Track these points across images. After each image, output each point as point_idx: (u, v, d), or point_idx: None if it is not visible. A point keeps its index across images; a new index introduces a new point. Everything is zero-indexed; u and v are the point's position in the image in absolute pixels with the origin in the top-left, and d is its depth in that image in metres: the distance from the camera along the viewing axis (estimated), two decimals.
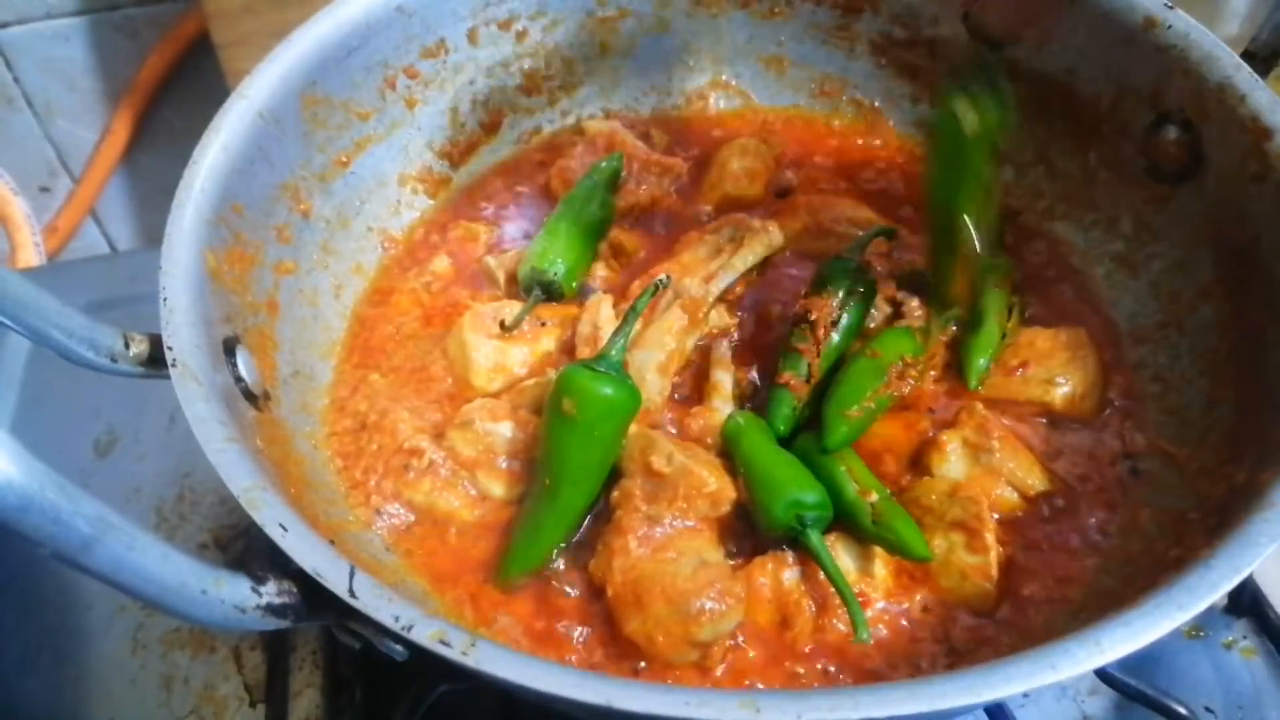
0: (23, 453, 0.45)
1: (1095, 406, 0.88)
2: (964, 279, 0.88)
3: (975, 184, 0.84)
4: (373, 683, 0.93)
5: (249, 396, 0.75)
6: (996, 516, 0.80)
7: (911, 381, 0.86)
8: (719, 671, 0.73)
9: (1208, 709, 0.91)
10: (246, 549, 1.02)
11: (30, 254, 1.72)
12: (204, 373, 0.69)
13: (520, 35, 1.06)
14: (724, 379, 0.88)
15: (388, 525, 0.81)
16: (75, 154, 1.76)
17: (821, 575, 0.74)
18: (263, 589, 0.59)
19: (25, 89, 1.66)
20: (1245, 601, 0.97)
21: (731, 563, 0.77)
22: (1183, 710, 0.85)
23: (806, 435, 0.83)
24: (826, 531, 0.77)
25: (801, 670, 0.73)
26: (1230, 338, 0.83)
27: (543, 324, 0.93)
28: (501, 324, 0.91)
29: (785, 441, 0.83)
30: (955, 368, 0.89)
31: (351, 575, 0.58)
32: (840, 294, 0.88)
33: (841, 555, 0.77)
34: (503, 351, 0.90)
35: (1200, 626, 0.97)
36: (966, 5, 0.84)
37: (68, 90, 1.67)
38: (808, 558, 0.76)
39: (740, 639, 0.74)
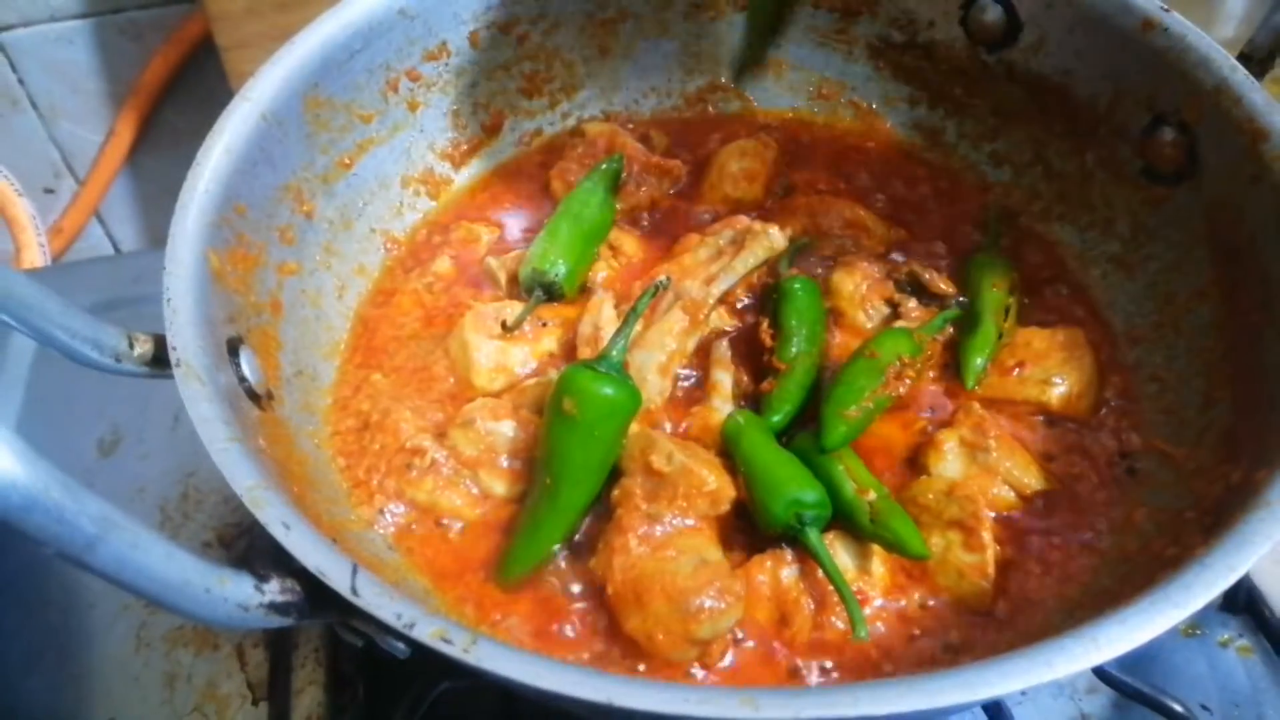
0: (27, 452, 0.46)
1: (1092, 406, 0.88)
2: None
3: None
4: (375, 680, 0.93)
5: (252, 396, 0.76)
6: (993, 515, 0.80)
7: (909, 381, 0.87)
8: (718, 669, 0.73)
9: (1204, 707, 0.91)
10: (250, 548, 1.02)
11: (35, 255, 1.72)
12: (207, 373, 0.69)
13: (521, 39, 1.07)
14: (724, 379, 0.88)
15: (390, 524, 0.82)
16: (79, 155, 1.76)
17: (820, 573, 0.75)
18: (266, 587, 0.59)
19: (30, 91, 1.66)
20: (1241, 600, 0.97)
21: (731, 561, 0.78)
22: (1179, 708, 0.86)
23: (805, 435, 0.83)
24: (825, 530, 0.77)
25: (800, 667, 0.74)
26: (1226, 338, 0.83)
27: (544, 324, 0.94)
28: (503, 324, 0.92)
29: (782, 435, 0.84)
30: (952, 368, 0.90)
31: (354, 573, 0.58)
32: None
33: (840, 553, 0.77)
34: (504, 351, 0.91)
35: (1197, 625, 0.97)
36: None
37: (72, 92, 1.67)
38: (806, 556, 0.76)
39: (740, 636, 0.75)
